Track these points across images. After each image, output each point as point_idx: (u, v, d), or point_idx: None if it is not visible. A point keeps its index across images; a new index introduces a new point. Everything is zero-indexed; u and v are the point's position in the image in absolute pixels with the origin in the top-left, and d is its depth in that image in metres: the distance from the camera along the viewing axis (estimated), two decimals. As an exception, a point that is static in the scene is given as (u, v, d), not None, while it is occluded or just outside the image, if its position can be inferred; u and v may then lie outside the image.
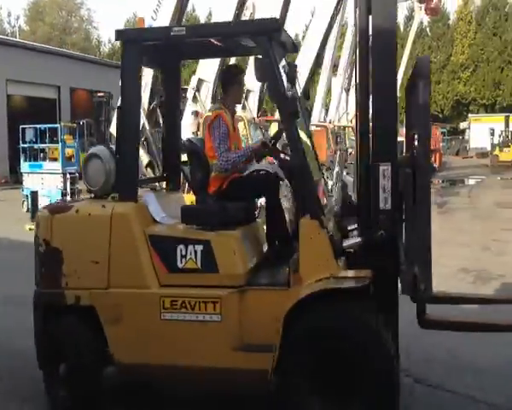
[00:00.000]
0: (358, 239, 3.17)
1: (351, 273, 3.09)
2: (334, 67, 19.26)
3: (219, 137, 3.46)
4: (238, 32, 3.38)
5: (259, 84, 12.50)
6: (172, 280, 3.16)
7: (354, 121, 17.53)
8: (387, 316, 3.03)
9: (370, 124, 3.23)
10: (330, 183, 9.47)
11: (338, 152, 9.64)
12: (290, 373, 2.92)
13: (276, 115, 14.19)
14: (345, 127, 17.75)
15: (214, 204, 3.43)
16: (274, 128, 13.20)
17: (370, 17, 3.13)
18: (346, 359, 2.84)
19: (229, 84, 3.67)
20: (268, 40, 3.09)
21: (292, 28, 41.59)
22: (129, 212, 3.25)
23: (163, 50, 3.59)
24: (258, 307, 3.02)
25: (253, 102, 12.25)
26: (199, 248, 3.10)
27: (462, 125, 39.05)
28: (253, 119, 10.73)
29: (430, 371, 3.88)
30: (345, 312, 2.90)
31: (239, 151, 3.58)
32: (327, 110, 19.23)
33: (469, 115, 36.57)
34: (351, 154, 12.28)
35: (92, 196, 3.57)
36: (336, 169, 9.43)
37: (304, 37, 27.93)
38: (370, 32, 3.15)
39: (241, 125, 10.69)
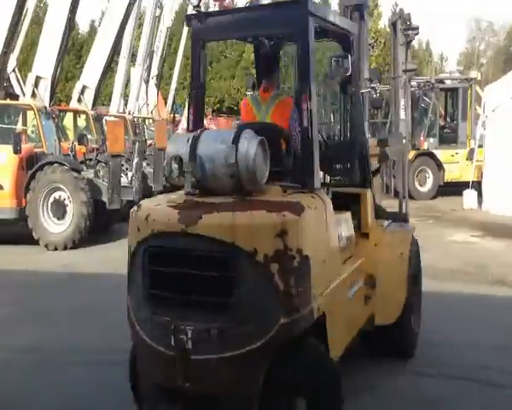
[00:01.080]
0: None
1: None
2: (133, 57, 19.00)
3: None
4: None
5: (52, 70, 11.75)
6: None
7: (155, 112, 17.53)
8: None
9: None
10: (130, 174, 9.44)
11: (137, 143, 9.61)
12: None
13: (73, 104, 13.52)
14: (144, 118, 17.68)
15: None
16: (68, 118, 12.57)
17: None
18: None
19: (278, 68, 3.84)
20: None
21: (87, 14, 39.63)
22: (329, 200, 3.15)
23: None
24: None
25: (44, 89, 11.47)
26: None
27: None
28: (45, 108, 10.07)
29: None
30: None
31: None
32: (126, 101, 18.90)
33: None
34: (150, 145, 12.35)
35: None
36: (136, 160, 9.43)
37: (100, 23, 26.85)
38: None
39: (31, 115, 9.98)
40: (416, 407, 3.58)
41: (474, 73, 14.45)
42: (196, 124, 3.43)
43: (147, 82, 20.51)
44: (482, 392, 3.68)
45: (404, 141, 5.36)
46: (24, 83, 12.89)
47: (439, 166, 13.35)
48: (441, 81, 14.62)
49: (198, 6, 3.32)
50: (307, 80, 3.05)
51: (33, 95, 11.63)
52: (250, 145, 2.79)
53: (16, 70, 14.89)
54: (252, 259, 2.53)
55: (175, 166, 2.87)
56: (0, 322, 5.28)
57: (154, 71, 21.77)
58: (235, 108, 44.36)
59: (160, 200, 3.06)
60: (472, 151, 12.65)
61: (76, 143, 10.01)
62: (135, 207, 3.00)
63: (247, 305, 2.54)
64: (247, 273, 2.54)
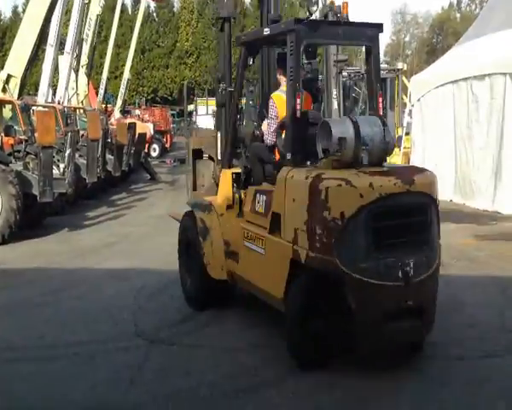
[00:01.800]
0: None
1: None
2: (61, 45, 18.32)
3: None
4: None
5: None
6: None
7: (85, 102, 16.89)
8: None
9: None
10: (62, 165, 9.17)
11: (69, 134, 9.33)
12: None
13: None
14: (75, 108, 17.12)
15: None
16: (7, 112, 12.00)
17: None
18: None
19: None
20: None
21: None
22: None
23: None
24: None
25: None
26: None
27: (190, 107, 41.28)
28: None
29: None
30: None
31: None
32: (55, 90, 18.23)
33: (195, 98, 38.89)
34: (82, 136, 12.03)
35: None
36: (68, 151, 9.15)
37: (24, 9, 25.62)
38: None
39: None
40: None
41: (400, 64, 15.06)
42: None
43: (76, 71, 19.86)
44: (411, 363, 3.93)
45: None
46: None
47: (370, 153, 13.82)
48: (370, 71, 15.08)
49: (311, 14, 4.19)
50: (380, 82, 4.45)
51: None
52: (391, 127, 4.28)
53: None
54: (435, 204, 3.88)
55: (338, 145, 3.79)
56: None
57: (84, 59, 21.11)
58: (170, 97, 43.82)
59: (350, 174, 3.73)
60: (400, 139, 13.18)
61: (3, 134, 9.60)
62: (337, 182, 3.65)
63: (434, 237, 3.89)
64: (433, 215, 3.85)
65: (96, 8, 21.53)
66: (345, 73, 13.80)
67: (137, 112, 29.63)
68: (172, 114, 36.20)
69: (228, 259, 4.83)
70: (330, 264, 3.59)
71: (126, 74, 25.80)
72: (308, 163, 4.12)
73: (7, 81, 12.57)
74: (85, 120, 14.80)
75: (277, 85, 4.97)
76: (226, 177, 4.95)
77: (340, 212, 3.57)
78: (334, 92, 12.73)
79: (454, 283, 5.72)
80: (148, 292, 5.73)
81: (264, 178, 4.68)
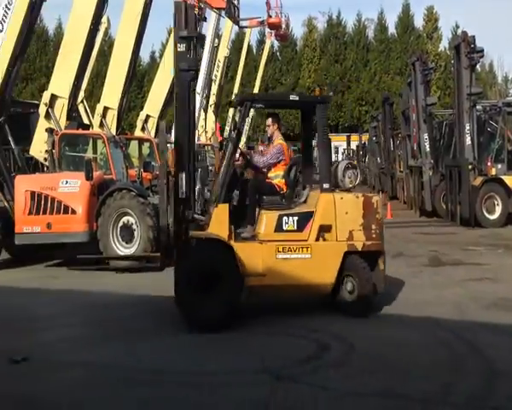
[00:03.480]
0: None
1: None
2: (192, 86, 19.59)
3: None
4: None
5: (118, 101, 12.33)
6: None
7: (213, 139, 17.83)
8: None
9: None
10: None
11: (200, 170, 9.83)
12: None
13: (137, 133, 14.03)
14: (204, 145, 18.09)
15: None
16: (134, 146, 13.06)
17: None
18: None
19: None
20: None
21: (147, 45, 41.06)
22: None
23: None
24: None
25: (111, 119, 12.01)
26: None
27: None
28: (113, 137, 10.51)
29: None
30: None
31: None
32: (186, 128, 19.44)
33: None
34: (211, 171, 12.62)
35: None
36: (198, 186, 9.60)
37: (162, 55, 27.73)
38: None
39: (100, 143, 10.44)
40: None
41: None
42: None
43: (205, 110, 21.07)
44: None
45: None
46: (91, 113, 13.54)
47: (509, 192, 12.82)
48: (509, 104, 14.17)
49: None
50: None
51: (101, 124, 12.19)
52: None
53: (84, 101, 15.62)
54: None
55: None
56: (75, 341, 5.48)
57: (213, 99, 22.32)
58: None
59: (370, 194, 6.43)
60: None
61: (142, 170, 10.38)
62: (377, 198, 6.12)
63: None
64: None
65: (224, 50, 22.81)
66: (479, 107, 13.06)
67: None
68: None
69: (245, 277, 5.63)
70: (379, 245, 5.92)
71: (251, 112, 26.82)
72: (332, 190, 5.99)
73: (146, 121, 13.65)
74: (213, 156, 15.53)
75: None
76: (223, 211, 5.75)
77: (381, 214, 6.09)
78: (467, 127, 12.06)
79: None
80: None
81: (254, 209, 6.00)
